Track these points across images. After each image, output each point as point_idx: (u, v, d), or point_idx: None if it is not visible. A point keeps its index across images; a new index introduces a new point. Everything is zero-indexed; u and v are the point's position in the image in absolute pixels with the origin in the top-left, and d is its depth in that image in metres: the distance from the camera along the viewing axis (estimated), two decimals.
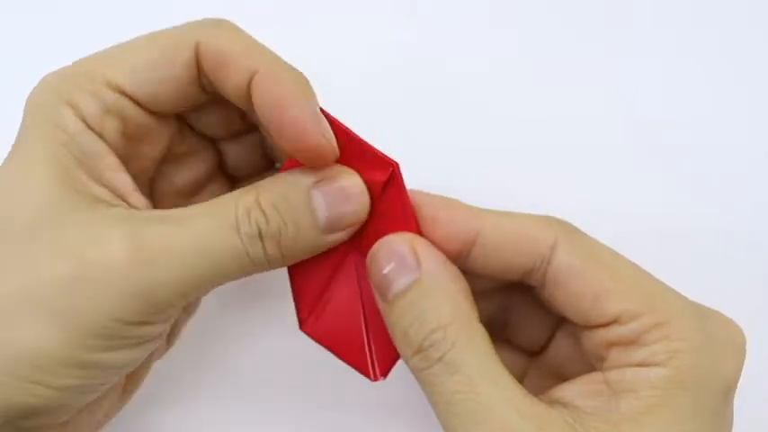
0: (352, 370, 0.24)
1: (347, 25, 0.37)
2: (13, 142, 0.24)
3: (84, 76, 0.23)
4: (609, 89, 0.37)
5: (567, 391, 0.22)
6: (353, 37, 0.37)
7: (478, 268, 0.23)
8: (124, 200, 0.23)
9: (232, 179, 0.30)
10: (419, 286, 0.22)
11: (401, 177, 0.23)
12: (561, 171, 0.35)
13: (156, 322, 0.22)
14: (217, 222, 0.22)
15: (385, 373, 0.24)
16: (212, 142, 0.28)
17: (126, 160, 0.24)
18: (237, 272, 0.22)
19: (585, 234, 0.23)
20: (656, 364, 0.21)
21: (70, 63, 0.24)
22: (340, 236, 0.23)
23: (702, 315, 0.22)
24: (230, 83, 0.23)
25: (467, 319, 0.22)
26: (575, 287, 0.22)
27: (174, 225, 0.22)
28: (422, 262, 0.22)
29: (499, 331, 0.27)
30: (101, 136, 0.23)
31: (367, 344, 0.24)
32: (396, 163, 0.23)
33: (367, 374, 0.24)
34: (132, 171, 0.24)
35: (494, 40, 0.37)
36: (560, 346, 0.26)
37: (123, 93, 0.23)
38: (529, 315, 0.27)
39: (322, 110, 0.23)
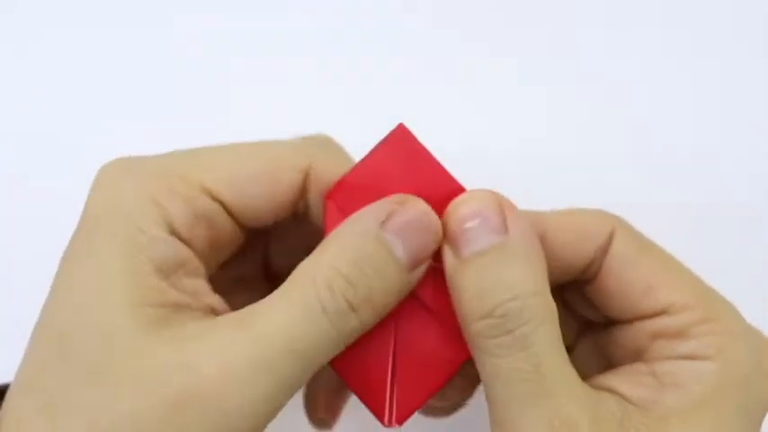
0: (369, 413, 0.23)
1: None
2: None
3: (176, 176, 0.22)
4: (608, 88, 0.37)
5: (613, 379, 0.22)
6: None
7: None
8: (200, 300, 0.21)
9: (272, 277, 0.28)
10: (503, 250, 0.20)
11: None
12: (559, 172, 0.35)
13: None
14: (303, 314, 0.20)
15: (400, 422, 0.23)
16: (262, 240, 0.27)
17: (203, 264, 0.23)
18: (329, 357, 0.21)
19: (636, 228, 0.24)
20: (705, 358, 0.21)
21: (150, 153, 0.23)
22: (423, 269, 0.22)
23: (747, 325, 0.23)
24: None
25: (546, 297, 0.21)
26: (628, 276, 0.23)
27: (256, 338, 0.19)
28: (510, 226, 0.21)
29: None
30: (188, 243, 0.21)
31: (390, 388, 0.23)
32: (464, 189, 0.22)
33: (381, 418, 0.23)
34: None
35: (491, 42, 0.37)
36: (579, 353, 0.26)
37: (220, 201, 0.22)
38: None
39: (402, 125, 0.22)
